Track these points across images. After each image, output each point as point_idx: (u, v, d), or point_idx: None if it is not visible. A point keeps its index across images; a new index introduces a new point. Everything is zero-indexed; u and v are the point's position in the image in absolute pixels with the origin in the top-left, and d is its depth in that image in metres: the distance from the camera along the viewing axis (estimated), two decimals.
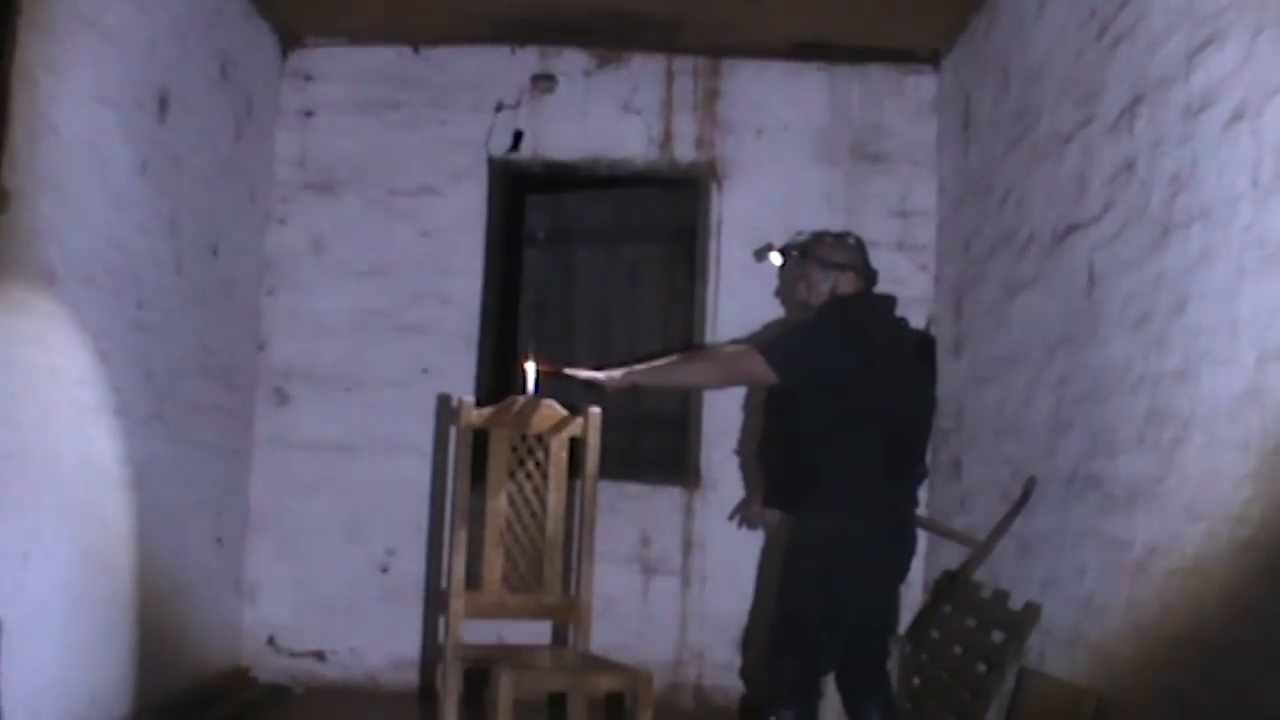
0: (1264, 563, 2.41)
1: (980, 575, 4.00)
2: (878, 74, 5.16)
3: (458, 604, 3.38)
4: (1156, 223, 2.95)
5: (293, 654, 4.97)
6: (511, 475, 3.49)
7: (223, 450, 4.70)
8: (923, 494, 4.84)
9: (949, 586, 4.16)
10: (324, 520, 4.99)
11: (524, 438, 3.50)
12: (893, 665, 3.52)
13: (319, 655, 4.97)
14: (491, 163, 5.18)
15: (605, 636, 3.88)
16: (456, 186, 5.16)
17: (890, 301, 3.39)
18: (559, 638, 4.46)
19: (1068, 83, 3.61)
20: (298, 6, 4.86)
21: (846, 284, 3.36)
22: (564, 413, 3.53)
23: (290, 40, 5.15)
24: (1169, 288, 2.87)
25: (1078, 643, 3.26)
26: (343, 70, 5.18)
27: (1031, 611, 3.50)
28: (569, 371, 3.43)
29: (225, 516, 4.74)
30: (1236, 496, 2.51)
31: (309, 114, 5.18)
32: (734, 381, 3.96)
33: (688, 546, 4.94)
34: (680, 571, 4.92)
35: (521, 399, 3.47)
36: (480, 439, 3.45)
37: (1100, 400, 3.26)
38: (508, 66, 5.18)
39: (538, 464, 3.52)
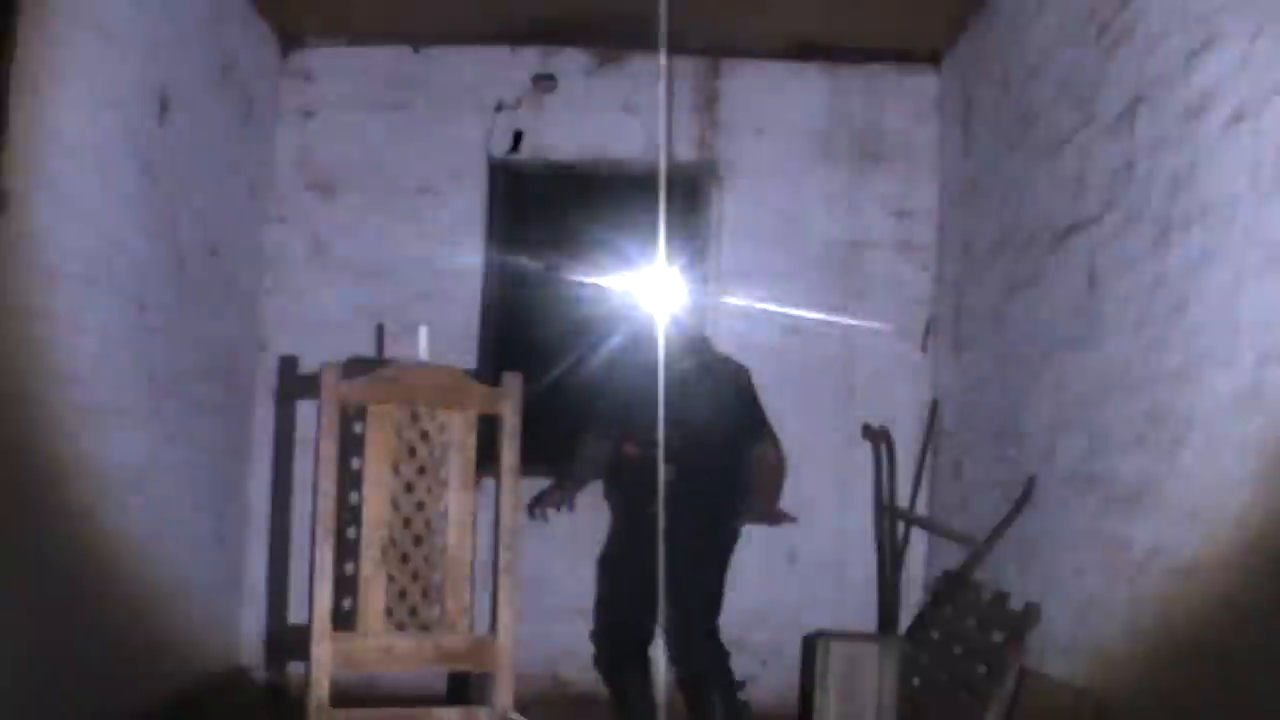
0: (1264, 564, 2.41)
1: (980, 576, 4.00)
2: (878, 74, 5.16)
3: (323, 651, 2.52)
4: (1156, 223, 2.95)
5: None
6: (397, 470, 2.68)
7: (223, 450, 4.70)
8: (923, 494, 4.90)
9: (949, 587, 4.16)
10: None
11: (414, 417, 2.71)
12: None
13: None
14: (491, 163, 5.18)
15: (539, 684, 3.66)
16: (456, 186, 5.16)
17: None
18: (462, 692, 4.01)
19: (1067, 83, 3.61)
20: (298, 6, 4.86)
21: None
22: (470, 382, 2.82)
23: (290, 40, 5.15)
24: (1169, 288, 2.87)
25: (1078, 644, 3.26)
26: (343, 70, 5.18)
27: (1031, 612, 3.50)
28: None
29: (225, 517, 4.74)
30: (1236, 497, 2.51)
31: (309, 114, 5.18)
32: None
33: None
34: None
35: (408, 363, 2.80)
36: (353, 419, 2.76)
37: (1100, 400, 3.26)
38: (508, 66, 5.18)
39: (434, 454, 2.73)
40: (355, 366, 2.77)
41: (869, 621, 4.76)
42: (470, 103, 5.16)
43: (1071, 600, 3.33)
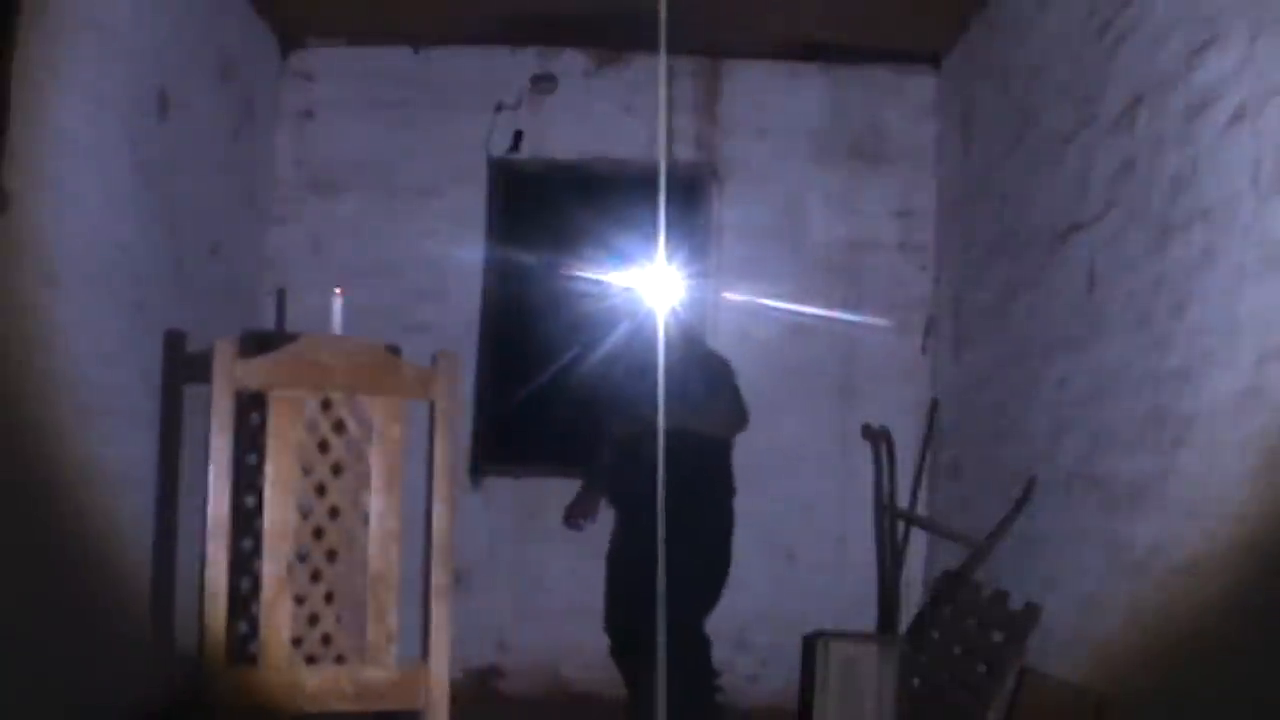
0: (1264, 562, 2.41)
1: (980, 575, 4.00)
2: (878, 75, 5.17)
3: (217, 690, 2.16)
4: (1157, 223, 2.95)
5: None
6: (308, 469, 2.29)
7: None
8: (923, 494, 4.90)
9: (949, 587, 4.16)
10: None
11: (327, 405, 2.30)
12: None
13: None
14: (491, 163, 5.18)
15: None
16: (456, 186, 5.16)
17: None
18: None
19: (1068, 83, 3.61)
20: (298, 7, 4.86)
21: None
22: (397, 361, 2.45)
23: (290, 40, 5.15)
24: (1169, 288, 2.87)
25: (1078, 643, 3.26)
26: (343, 70, 5.18)
27: (1031, 612, 3.50)
28: None
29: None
30: (1236, 496, 2.51)
31: (309, 114, 5.18)
32: None
33: None
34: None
35: (320, 338, 2.39)
36: (251, 406, 2.38)
37: (1100, 400, 3.26)
38: (508, 66, 5.18)
39: (353, 449, 2.32)
40: (255, 342, 2.48)
41: (869, 621, 4.76)
42: (470, 103, 5.16)
43: (1072, 599, 3.33)
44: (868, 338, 5.04)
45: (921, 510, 4.85)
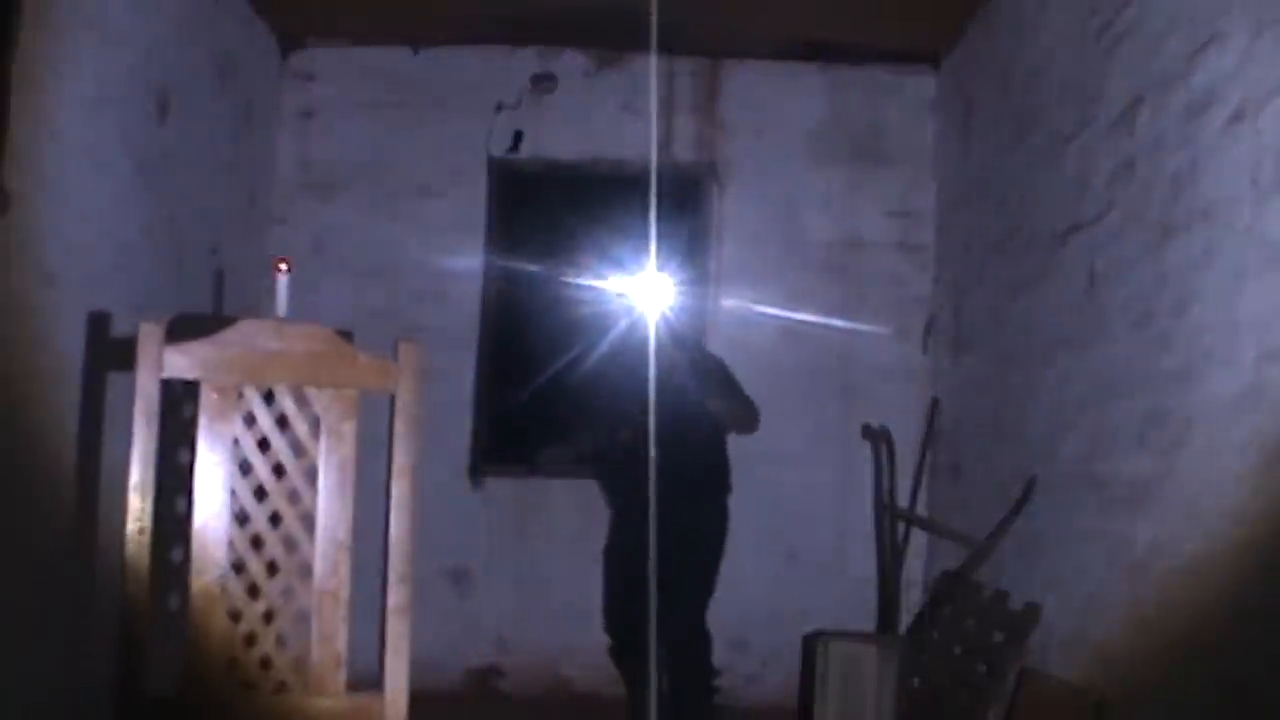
0: (1264, 562, 2.41)
1: (980, 575, 4.00)
2: (877, 74, 5.17)
3: None
4: (1157, 223, 2.95)
5: None
6: (245, 470, 2.05)
7: None
8: (923, 494, 4.90)
9: (949, 587, 4.17)
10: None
11: (270, 397, 2.06)
12: None
13: None
14: (491, 163, 5.18)
15: None
16: (456, 186, 5.16)
17: None
18: None
19: (1068, 83, 3.61)
20: (298, 7, 4.86)
21: None
22: (351, 350, 2.16)
23: (290, 41, 5.15)
24: (1169, 288, 2.87)
25: (1078, 643, 3.26)
26: (343, 71, 5.18)
27: (1031, 612, 3.50)
28: None
29: None
30: (1236, 496, 2.51)
31: (309, 114, 5.18)
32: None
33: None
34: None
35: (263, 322, 2.11)
36: (187, 398, 2.09)
37: (1100, 400, 3.26)
38: (508, 66, 5.18)
39: (299, 449, 2.07)
40: (189, 325, 2.20)
41: (869, 621, 4.76)
42: (470, 103, 5.16)
43: (1072, 599, 3.33)
44: (867, 338, 5.04)
45: (921, 510, 4.85)
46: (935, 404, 4.87)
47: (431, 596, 4.94)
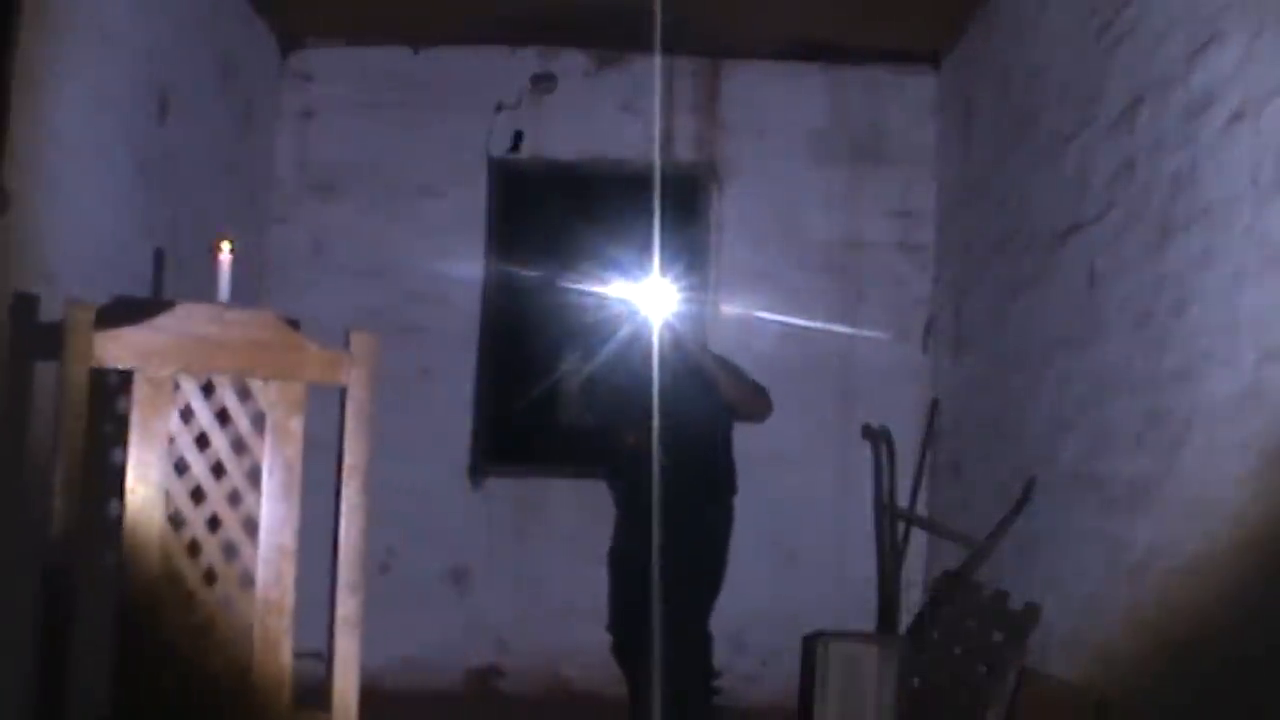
0: (1264, 563, 2.41)
1: (980, 575, 4.00)
2: (878, 74, 5.17)
3: None
4: (1156, 223, 2.95)
5: (294, 655, 4.96)
6: (181, 468, 1.85)
7: None
8: (923, 494, 4.90)
9: (949, 587, 4.17)
10: (324, 520, 4.98)
11: (209, 389, 1.87)
12: None
13: (319, 656, 4.96)
14: (491, 163, 5.18)
15: None
16: (456, 186, 5.16)
17: None
18: None
19: (1068, 83, 3.61)
20: (298, 7, 4.86)
21: None
22: (299, 339, 1.97)
23: (290, 41, 5.15)
24: (1169, 288, 2.87)
25: (1078, 643, 3.26)
26: (343, 71, 5.18)
27: (1031, 612, 3.50)
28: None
29: None
30: (1236, 497, 2.51)
31: (309, 114, 5.18)
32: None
33: None
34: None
35: (203, 307, 1.92)
36: (112, 388, 1.97)
37: (1100, 400, 3.26)
38: (508, 66, 5.18)
39: (240, 446, 1.90)
40: (124, 310, 2.01)
41: (869, 621, 4.76)
42: (470, 103, 5.16)
43: (1072, 600, 3.33)
44: (867, 338, 5.04)
45: (921, 510, 4.85)
46: (935, 404, 4.87)
47: (431, 596, 4.96)
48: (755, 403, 4.03)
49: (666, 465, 3.75)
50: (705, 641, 3.99)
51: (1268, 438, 2.41)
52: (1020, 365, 3.93)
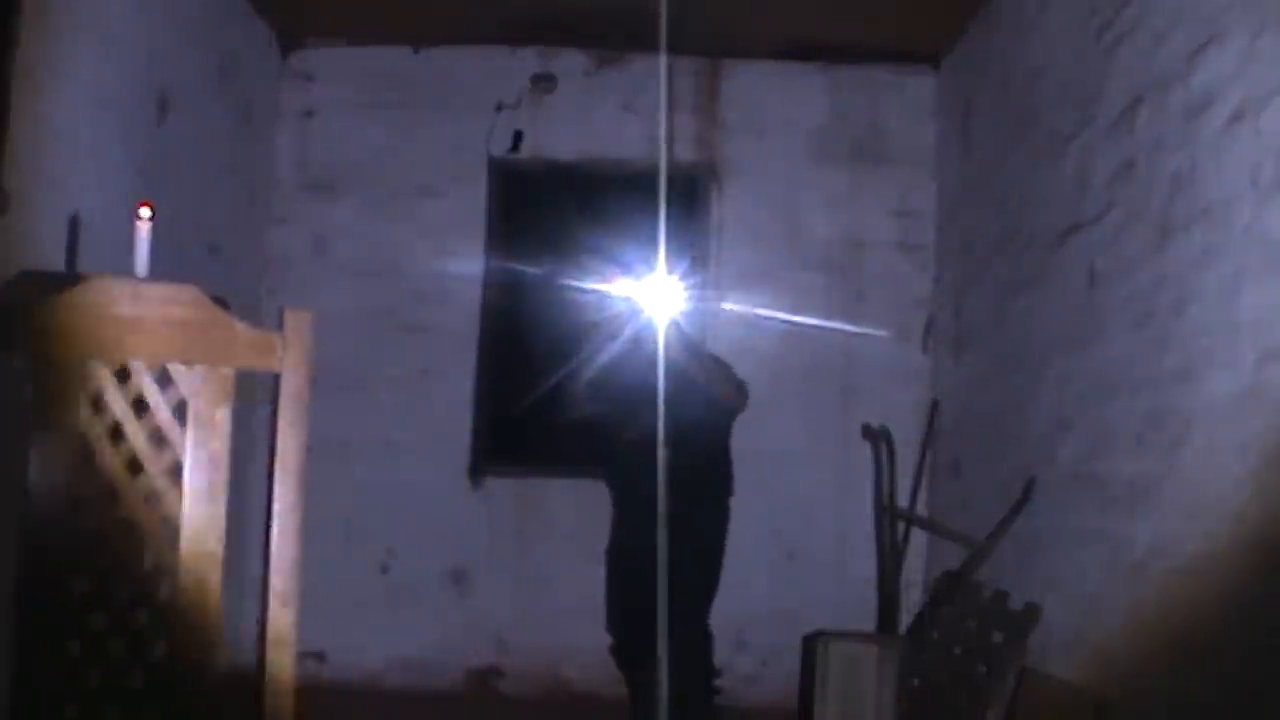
0: (1264, 563, 2.41)
1: (980, 575, 4.00)
2: (877, 75, 5.17)
3: None
4: (1156, 223, 2.95)
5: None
6: (91, 462, 1.62)
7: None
8: (923, 494, 4.90)
9: (949, 587, 4.16)
10: (324, 520, 4.98)
11: (125, 375, 1.66)
12: None
13: (319, 656, 4.97)
14: (492, 163, 5.18)
15: None
16: (456, 186, 5.16)
17: None
18: None
19: (1068, 83, 3.61)
20: (298, 7, 4.86)
21: None
22: (226, 318, 1.78)
23: (290, 41, 5.15)
24: (1169, 288, 2.87)
25: (1078, 643, 3.26)
26: (343, 71, 5.18)
27: (1031, 612, 3.50)
28: None
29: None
30: (1236, 496, 2.51)
31: (309, 114, 5.18)
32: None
33: None
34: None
35: (120, 281, 1.74)
36: (20, 377, 1.64)
37: (1100, 400, 3.26)
38: (508, 66, 5.18)
39: (160, 440, 1.66)
40: (30, 287, 1.78)
41: (869, 621, 4.75)
42: (470, 103, 5.16)
43: (1072, 600, 3.33)
44: (868, 338, 5.04)
45: (921, 510, 4.85)
46: (935, 404, 4.87)
47: (431, 596, 4.96)
48: (735, 398, 4.05)
49: (665, 464, 3.76)
50: (705, 641, 3.99)
51: (1268, 438, 2.41)
52: (1020, 365, 3.93)
